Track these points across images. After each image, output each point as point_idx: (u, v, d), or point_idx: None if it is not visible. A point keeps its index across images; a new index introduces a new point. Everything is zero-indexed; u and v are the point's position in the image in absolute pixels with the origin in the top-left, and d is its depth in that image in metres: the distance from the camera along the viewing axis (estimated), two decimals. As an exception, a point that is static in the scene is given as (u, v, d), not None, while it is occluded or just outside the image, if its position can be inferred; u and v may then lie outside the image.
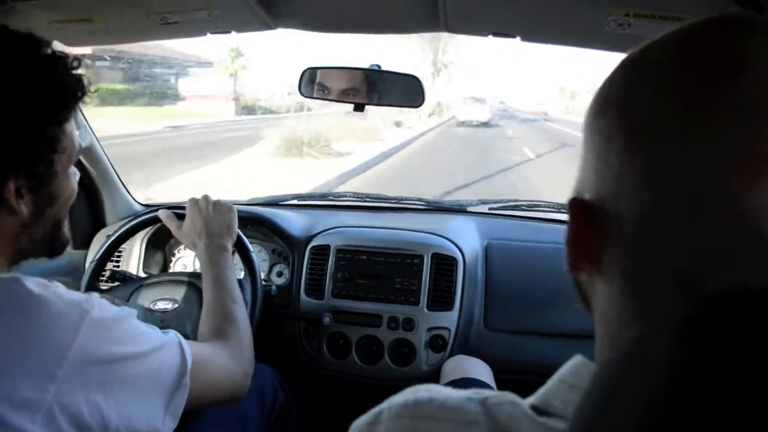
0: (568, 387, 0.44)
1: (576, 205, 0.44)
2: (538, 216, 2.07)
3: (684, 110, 0.37)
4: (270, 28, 1.34)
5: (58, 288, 0.75)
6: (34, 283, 0.73)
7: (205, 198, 1.36)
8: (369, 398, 1.86)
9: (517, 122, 33.49)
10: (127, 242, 1.66)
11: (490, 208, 2.10)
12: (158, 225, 1.54)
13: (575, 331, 1.65)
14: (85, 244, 1.88)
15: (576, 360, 0.46)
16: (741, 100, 0.36)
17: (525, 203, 2.11)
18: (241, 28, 1.36)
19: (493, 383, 1.45)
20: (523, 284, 1.74)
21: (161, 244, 1.89)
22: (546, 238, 1.89)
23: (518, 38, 1.26)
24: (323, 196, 2.29)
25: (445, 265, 1.69)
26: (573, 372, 0.45)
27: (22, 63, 0.74)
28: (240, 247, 1.45)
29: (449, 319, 1.66)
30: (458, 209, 2.11)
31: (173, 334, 0.89)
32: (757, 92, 0.36)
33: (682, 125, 0.37)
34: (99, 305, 0.76)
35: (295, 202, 2.17)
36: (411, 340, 1.65)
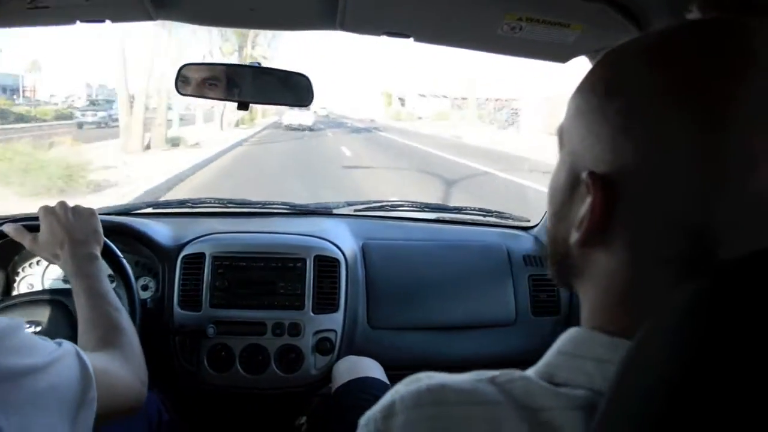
0: (569, 357, 0.49)
1: (597, 179, 0.48)
2: (403, 216, 2.20)
3: (704, 97, 0.44)
4: (149, 18, 1.28)
5: None
6: None
7: (62, 204, 1.26)
8: (257, 409, 1.86)
9: (347, 132, 30.20)
10: None
11: (355, 210, 2.18)
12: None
13: (453, 323, 1.81)
14: None
15: (571, 332, 0.51)
16: (752, 91, 0.43)
17: (389, 204, 2.23)
18: (118, 16, 1.29)
19: (386, 380, 1.51)
20: (401, 281, 1.83)
21: (3, 262, 1.69)
22: (414, 236, 2.02)
23: (412, 39, 1.34)
24: (182, 203, 2.18)
25: (328, 266, 1.72)
26: (572, 342, 0.50)
27: None
28: (108, 254, 1.36)
29: (335, 321, 1.70)
30: (324, 212, 2.15)
31: (68, 344, 0.83)
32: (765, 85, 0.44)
33: (704, 111, 0.44)
34: None
35: (149, 210, 2.07)
36: (298, 345, 1.67)
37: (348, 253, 1.79)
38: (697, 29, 0.49)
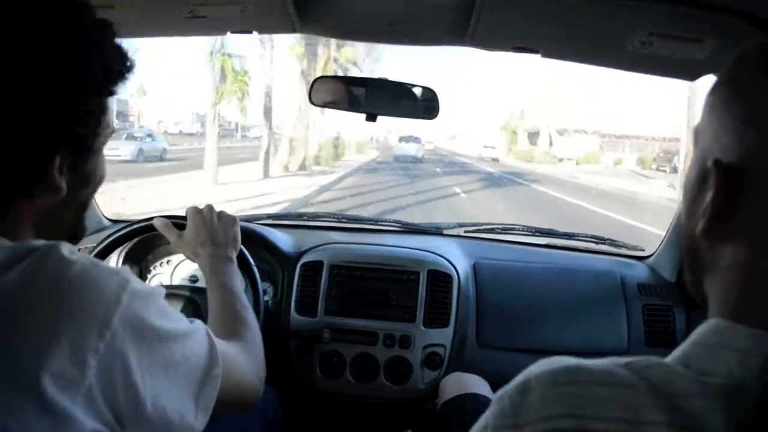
0: (708, 347, 0.51)
1: (720, 165, 0.52)
2: (513, 239, 2.26)
3: None
4: (292, 30, 1.44)
5: (89, 256, 0.76)
6: (68, 250, 0.73)
7: (210, 207, 1.40)
8: (365, 416, 1.99)
9: (483, 184, 19.52)
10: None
11: (466, 231, 2.26)
12: (137, 240, 1.59)
13: (562, 348, 1.81)
14: None
15: (709, 324, 0.53)
16: None
17: (500, 226, 2.29)
18: (265, 28, 1.47)
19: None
20: (512, 302, 1.89)
21: (138, 259, 1.89)
22: (525, 258, 2.07)
23: (540, 54, 1.41)
24: (299, 216, 2.39)
25: (440, 281, 1.80)
26: (711, 333, 0.52)
27: (70, 33, 0.74)
28: (242, 260, 1.48)
29: (445, 336, 1.77)
30: (435, 231, 2.25)
31: (199, 322, 0.89)
32: None
33: None
34: (133, 277, 0.77)
35: (269, 221, 2.23)
36: (407, 357, 1.75)
37: (460, 270, 1.86)
38: None
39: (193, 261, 1.39)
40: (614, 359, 0.53)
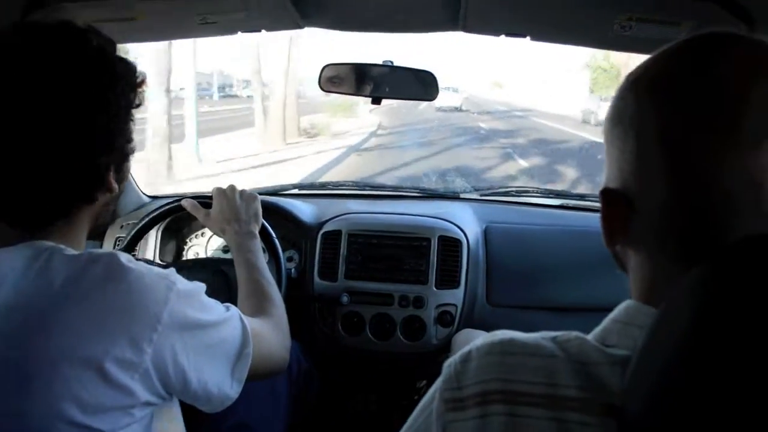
0: (621, 325, 0.61)
1: (605, 193, 0.63)
2: (528, 201, 2.33)
3: (685, 124, 0.55)
4: (298, 27, 1.52)
5: (142, 263, 0.89)
6: (125, 258, 0.86)
7: (232, 187, 1.50)
8: (382, 368, 2.14)
9: None
10: None
11: (481, 195, 2.35)
12: (171, 217, 1.71)
13: (570, 304, 1.91)
14: (99, 235, 2.01)
15: (626, 304, 0.63)
16: (737, 119, 0.53)
17: (514, 189, 2.38)
18: (272, 27, 1.53)
19: None
20: (521, 263, 1.98)
21: (175, 233, 2.06)
22: (537, 221, 2.15)
23: (528, 38, 1.46)
24: (323, 186, 2.51)
25: (450, 246, 1.91)
26: (624, 313, 0.62)
27: (101, 58, 0.87)
28: (264, 234, 1.59)
29: (456, 297, 1.88)
30: (452, 196, 2.34)
31: (234, 309, 1.02)
32: (754, 117, 0.53)
33: (682, 134, 0.55)
34: (179, 279, 0.91)
35: (295, 191, 2.37)
36: (421, 316, 1.87)
37: (470, 234, 1.96)
38: (684, 52, 0.60)
39: (221, 237, 1.50)
40: (545, 333, 0.63)
